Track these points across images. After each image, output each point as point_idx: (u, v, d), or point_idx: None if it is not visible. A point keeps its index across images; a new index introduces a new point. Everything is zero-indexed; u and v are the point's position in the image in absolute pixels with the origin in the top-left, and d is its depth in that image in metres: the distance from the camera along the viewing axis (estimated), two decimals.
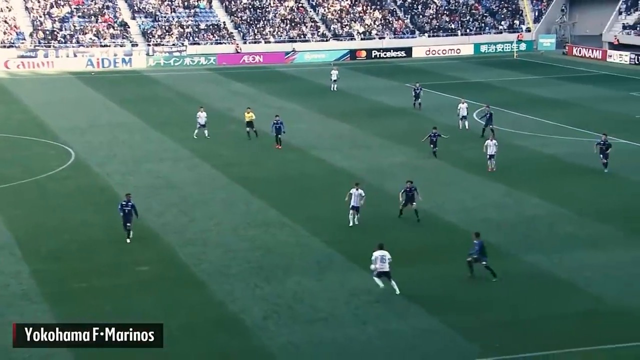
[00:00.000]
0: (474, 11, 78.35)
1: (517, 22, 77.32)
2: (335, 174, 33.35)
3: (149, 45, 68.00)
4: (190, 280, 22.63)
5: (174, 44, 68.66)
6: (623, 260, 23.56)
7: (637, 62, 64.52)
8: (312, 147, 38.33)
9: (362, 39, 73.39)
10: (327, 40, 72.86)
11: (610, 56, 67.17)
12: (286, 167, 34.78)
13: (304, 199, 29.93)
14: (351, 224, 26.73)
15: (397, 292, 21.34)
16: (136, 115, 46.28)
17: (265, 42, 71.29)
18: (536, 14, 78.10)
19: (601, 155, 32.53)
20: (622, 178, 32.31)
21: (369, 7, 76.76)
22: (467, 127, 40.78)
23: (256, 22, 73.16)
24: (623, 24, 70.82)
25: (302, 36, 72.66)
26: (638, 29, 68.87)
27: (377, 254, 21.45)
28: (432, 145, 35.35)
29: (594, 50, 69.27)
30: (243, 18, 73.54)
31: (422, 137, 36.06)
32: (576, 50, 70.94)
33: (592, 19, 76.15)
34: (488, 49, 74.14)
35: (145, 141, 39.93)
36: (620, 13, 72.63)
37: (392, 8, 77.49)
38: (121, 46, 67.59)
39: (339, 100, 51.56)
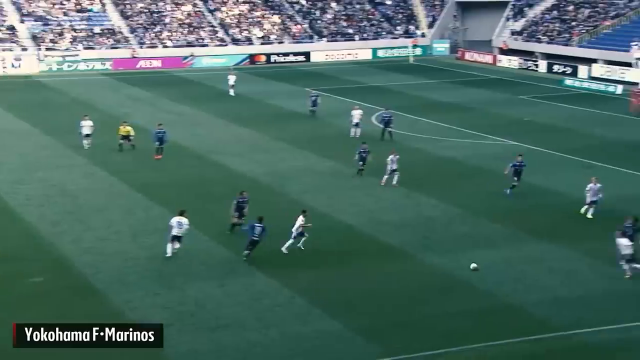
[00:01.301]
0: (370, 16, 79.60)
1: (412, 27, 79.04)
2: (236, 178, 33.14)
3: (39, 49, 65.70)
4: (87, 290, 21.99)
5: (67, 49, 66.61)
6: (514, 258, 24.39)
7: (524, 67, 67.08)
8: (212, 152, 37.97)
9: (261, 44, 73.31)
10: (225, 45, 72.41)
11: (500, 61, 69.57)
12: (186, 172, 34.31)
13: (204, 204, 29.58)
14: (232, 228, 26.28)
15: (168, 254, 23.53)
16: (27, 121, 44.62)
17: (163, 47, 70.18)
18: (430, 19, 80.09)
19: (515, 178, 30.37)
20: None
21: (267, 12, 76.78)
22: (357, 134, 40.59)
23: (153, 27, 71.94)
24: (511, 30, 73.51)
25: (200, 41, 71.94)
26: (525, 34, 71.67)
27: (174, 220, 23.55)
28: (361, 162, 33.14)
29: (485, 55, 71.59)
30: (139, 22, 72.16)
31: (353, 156, 33.72)
32: (468, 55, 73.13)
33: (482, 25, 78.70)
34: (385, 53, 75.44)
35: (38, 148, 38.55)
36: (508, 19, 75.36)
37: (290, 13, 77.78)
38: (10, 50, 65.04)
39: (239, 104, 51.31)
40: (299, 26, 76.31)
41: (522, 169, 30.41)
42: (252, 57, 71.14)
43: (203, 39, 72.14)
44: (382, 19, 79.41)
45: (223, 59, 70.05)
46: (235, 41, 72.93)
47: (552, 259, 24.21)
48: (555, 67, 63.81)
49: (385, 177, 31.91)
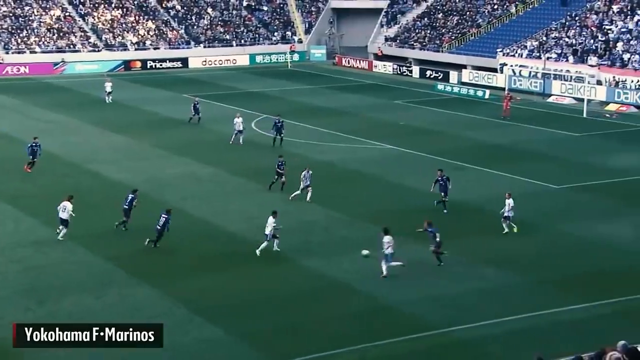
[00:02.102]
0: (247, 22, 79.61)
1: (289, 33, 79.63)
2: (113, 187, 32.32)
3: None
4: None
5: None
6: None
7: (399, 72, 68.97)
8: (87, 161, 36.87)
9: (136, 50, 71.84)
10: (99, 51, 70.48)
11: (376, 66, 71.19)
12: (60, 182, 33.14)
13: (80, 214, 28.66)
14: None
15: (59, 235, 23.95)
16: None
17: (31, 52, 67.50)
18: (307, 25, 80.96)
19: (442, 193, 29.58)
20: (390, 182, 34.21)
21: (141, 17, 75.31)
22: (240, 141, 40.39)
23: (19, 31, 69.05)
24: (385, 36, 75.40)
25: (71, 46, 69.69)
26: (398, 41, 73.71)
27: (61, 204, 25.04)
28: (276, 177, 31.97)
29: (361, 61, 73.07)
30: (4, 27, 69.09)
31: (273, 179, 32.26)
32: (345, 61, 74.41)
33: (358, 31, 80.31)
34: (263, 59, 75.62)
35: None
36: (382, 26, 77.27)
37: (165, 18, 76.63)
38: None
39: (114, 112, 50.07)
40: (174, 32, 75.31)
41: (445, 183, 29.46)
42: (127, 63, 69.60)
43: (74, 45, 69.93)
44: (259, 25, 79.57)
45: (96, 65, 68.18)
46: (108, 47, 71.13)
47: (427, 259, 24.97)
48: (428, 73, 65.95)
49: (297, 192, 30.42)
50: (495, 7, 69.99)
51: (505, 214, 26.80)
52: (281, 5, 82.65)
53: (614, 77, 52.86)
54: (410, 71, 67.86)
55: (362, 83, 64.15)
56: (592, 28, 58.97)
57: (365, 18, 79.96)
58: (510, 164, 35.88)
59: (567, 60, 57.05)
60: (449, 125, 46.45)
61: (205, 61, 72.95)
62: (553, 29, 61.98)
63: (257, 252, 24.86)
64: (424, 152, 39.23)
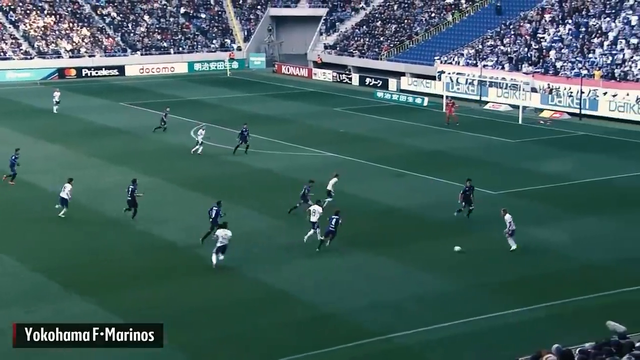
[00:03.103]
0: (185, 30, 79.07)
1: (228, 40, 79.40)
2: (48, 198, 31.66)
3: None
4: None
5: None
6: (333, 267, 25.12)
7: (338, 80, 69.42)
8: (21, 172, 36.05)
9: (70, 57, 70.62)
10: (31, 58, 69.04)
11: (315, 74, 71.51)
12: None
13: (14, 226, 28.02)
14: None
15: None
16: None
17: None
18: (246, 33, 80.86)
19: (463, 203, 29.13)
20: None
21: (75, 24, 74.08)
22: (199, 152, 40.09)
23: None
24: (324, 44, 75.83)
25: (2, 54, 68.11)
26: (338, 48, 74.21)
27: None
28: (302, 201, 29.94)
29: (301, 69, 73.31)
30: None
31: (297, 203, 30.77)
32: (285, 69, 74.53)
33: (297, 38, 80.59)
34: (202, 67, 75.21)
35: None
36: (321, 34, 77.70)
37: (101, 25, 75.55)
38: None
39: (49, 120, 49.13)
40: (110, 39, 74.29)
41: (471, 193, 29.22)
42: (61, 71, 68.35)
43: (5, 52, 68.36)
44: (197, 33, 79.13)
45: (29, 73, 66.79)
46: (41, 54, 69.74)
47: (368, 266, 25.19)
48: (367, 80, 66.55)
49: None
50: (433, 15, 71.10)
51: (510, 230, 25.92)
52: (219, 13, 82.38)
53: (548, 84, 54.23)
54: (350, 79, 68.37)
55: (301, 91, 64.34)
56: (526, 36, 60.43)
57: (305, 26, 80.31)
58: (449, 170, 36.46)
59: (502, 68, 58.31)
60: (388, 132, 46.95)
61: (142, 69, 72.17)
62: (489, 37, 63.29)
63: (214, 262, 24.59)
64: (364, 160, 39.55)
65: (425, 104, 57.23)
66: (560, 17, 60.66)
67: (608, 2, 58.85)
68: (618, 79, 51.34)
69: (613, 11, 57.70)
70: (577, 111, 50.59)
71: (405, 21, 72.53)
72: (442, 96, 55.29)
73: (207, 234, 26.24)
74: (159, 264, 25.19)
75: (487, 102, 55.56)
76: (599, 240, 27.40)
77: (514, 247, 25.98)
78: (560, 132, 47.00)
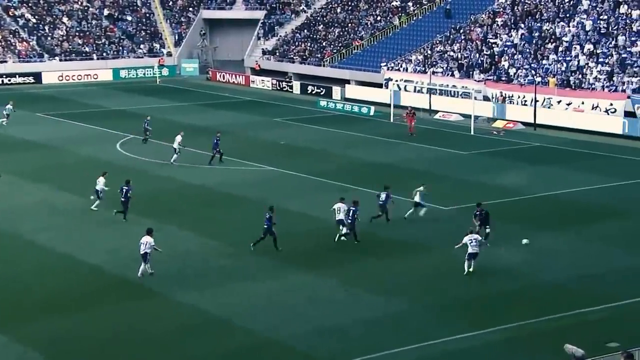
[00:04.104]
0: (109, 33, 78.28)
1: (157, 45, 78.88)
2: None
3: None
4: None
5: None
6: (274, 289, 25.06)
7: (278, 88, 69.55)
8: None
9: None
10: None
11: (253, 82, 71.56)
12: None
13: None
14: None
15: None
16: None
17: None
18: (176, 37, 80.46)
19: (479, 225, 28.64)
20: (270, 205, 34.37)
21: None
22: (171, 161, 40.56)
23: None
24: (263, 49, 75.97)
25: None
26: (277, 54, 74.40)
27: None
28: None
29: (237, 76, 73.27)
30: None
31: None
32: (220, 76, 74.39)
33: (233, 44, 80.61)
34: (128, 74, 74.56)
35: None
36: (259, 38, 77.84)
37: (13, 28, 74.23)
38: None
39: None
40: (25, 43, 73.02)
41: (484, 216, 28.81)
42: None
43: None
44: (122, 37, 78.41)
45: None
46: None
47: (311, 288, 25.22)
48: (310, 88, 66.86)
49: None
50: (378, 18, 71.94)
51: (471, 251, 25.83)
52: (147, 15, 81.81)
53: (500, 92, 55.30)
54: (291, 87, 68.63)
55: (238, 99, 64.26)
56: (477, 42, 61.59)
57: (241, 30, 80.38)
58: (397, 184, 36.76)
59: (452, 75, 59.28)
60: (332, 144, 47.20)
61: (61, 76, 71.19)
62: (438, 42, 64.30)
63: (139, 274, 24.80)
64: (306, 174, 39.65)
65: (372, 113, 57.73)
66: (512, 21, 62.03)
67: (562, 6, 60.44)
68: (573, 87, 52.66)
69: (567, 15, 59.28)
70: (532, 120, 51.68)
71: (350, 25, 73.20)
72: (389, 105, 55.86)
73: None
74: (80, 290, 24.77)
75: (437, 111, 56.35)
76: (555, 257, 27.96)
77: (468, 270, 26.14)
78: (514, 142, 47.93)
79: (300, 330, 22.13)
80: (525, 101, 53.55)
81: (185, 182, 37.65)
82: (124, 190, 31.21)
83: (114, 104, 60.80)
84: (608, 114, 49.76)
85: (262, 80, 70.86)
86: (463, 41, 62.60)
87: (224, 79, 73.82)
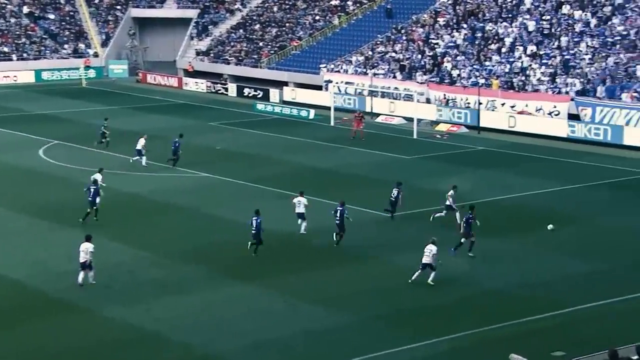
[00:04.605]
0: (30, 33, 76.97)
1: (82, 45, 77.85)
2: None
3: None
4: None
5: None
6: (209, 302, 24.95)
7: (213, 90, 69.29)
8: None
9: None
10: None
11: (187, 84, 71.16)
12: None
13: None
14: None
15: None
16: None
17: None
18: (104, 37, 79.55)
19: (465, 228, 28.85)
20: (206, 214, 34.25)
21: None
22: (143, 163, 41.34)
23: None
24: (196, 49, 75.61)
25: None
26: (212, 55, 74.11)
27: None
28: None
29: (169, 78, 72.77)
30: None
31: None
32: (151, 78, 73.79)
33: (164, 43, 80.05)
34: (51, 76, 73.47)
35: None
36: (192, 38, 77.44)
37: None
38: None
39: None
40: None
41: (470, 222, 28.78)
42: None
43: None
44: (45, 36, 77.17)
45: None
46: None
47: (250, 300, 25.19)
48: (246, 91, 66.77)
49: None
50: (317, 18, 72.27)
51: (424, 261, 25.97)
52: (71, 13, 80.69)
53: (444, 95, 56.07)
54: (226, 89, 68.45)
55: (171, 103, 63.84)
56: (419, 42, 62.37)
57: (173, 29, 79.89)
58: (337, 190, 36.97)
59: (394, 77, 59.88)
60: (270, 148, 47.23)
61: None
62: (379, 42, 64.90)
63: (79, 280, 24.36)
64: (244, 180, 39.61)
65: (312, 116, 57.94)
66: (454, 21, 62.99)
67: (504, 6, 61.61)
68: (517, 89, 53.70)
69: (510, 15, 60.44)
70: (475, 124, 52.51)
71: (287, 24, 73.38)
72: (329, 108, 56.15)
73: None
74: (3, 306, 24.30)
75: (379, 114, 56.83)
76: (500, 265, 28.44)
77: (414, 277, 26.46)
78: (458, 146, 48.60)
79: (239, 344, 22.10)
80: (469, 103, 54.40)
81: (116, 190, 37.21)
82: (92, 189, 31.81)
83: (36, 107, 59.82)
84: (552, 116, 50.85)
85: (196, 83, 70.52)
86: (405, 42, 63.31)
87: (155, 81, 73.24)
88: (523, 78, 54.03)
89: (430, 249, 26.14)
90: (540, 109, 51.45)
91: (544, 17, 58.25)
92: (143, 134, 43.14)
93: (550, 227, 31.33)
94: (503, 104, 53.09)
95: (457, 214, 31.83)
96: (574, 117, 50.32)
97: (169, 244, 30.21)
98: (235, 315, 24.01)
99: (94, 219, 31.77)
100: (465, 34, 60.83)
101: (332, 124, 54.97)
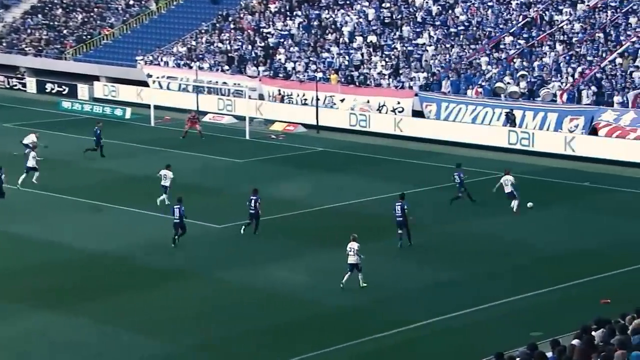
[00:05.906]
0: None
1: None
2: None
3: None
4: None
5: None
6: (7, 338, 24.12)
7: (8, 86, 67.12)
8: None
9: None
10: None
11: None
12: None
13: None
14: None
15: None
16: None
17: None
18: None
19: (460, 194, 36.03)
20: (5, 233, 33.19)
21: None
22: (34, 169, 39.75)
23: None
24: None
25: None
26: (4, 44, 71.65)
27: None
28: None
29: None
30: None
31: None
32: None
33: None
34: None
35: None
36: None
37: None
38: None
39: None
40: None
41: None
42: None
43: None
44: None
45: None
46: None
47: (56, 330, 24.57)
48: (49, 87, 65.02)
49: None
50: (131, 2, 71.33)
51: (349, 261, 27.21)
52: None
53: (279, 90, 56.54)
54: (24, 84, 66.56)
55: None
56: (249, 31, 62.74)
57: None
58: (154, 200, 36.65)
59: (222, 70, 59.93)
60: (79, 154, 46.18)
61: None
62: (203, 31, 64.80)
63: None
64: (48, 191, 38.67)
65: (128, 116, 57.13)
66: (287, 7, 63.76)
67: None
68: (357, 84, 54.85)
69: (347, 2, 61.77)
70: (314, 122, 53.27)
71: (96, 9, 72.03)
72: (148, 106, 55.52)
73: None
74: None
75: (207, 112, 56.67)
76: (340, 279, 28.90)
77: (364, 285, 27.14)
78: (295, 147, 49.18)
79: None
80: (306, 100, 55.15)
81: None
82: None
83: None
84: (395, 113, 52.23)
85: None
86: (232, 31, 63.51)
87: None
88: (364, 71, 55.12)
89: (352, 247, 27.00)
90: (384, 106, 52.73)
91: (384, 5, 59.85)
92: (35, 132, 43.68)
93: (529, 205, 34.73)
94: (343, 100, 54.00)
95: (515, 204, 35.05)
96: (418, 114, 51.56)
97: None
98: (35, 350, 23.34)
99: None
100: (300, 23, 61.69)
101: (152, 124, 54.37)
